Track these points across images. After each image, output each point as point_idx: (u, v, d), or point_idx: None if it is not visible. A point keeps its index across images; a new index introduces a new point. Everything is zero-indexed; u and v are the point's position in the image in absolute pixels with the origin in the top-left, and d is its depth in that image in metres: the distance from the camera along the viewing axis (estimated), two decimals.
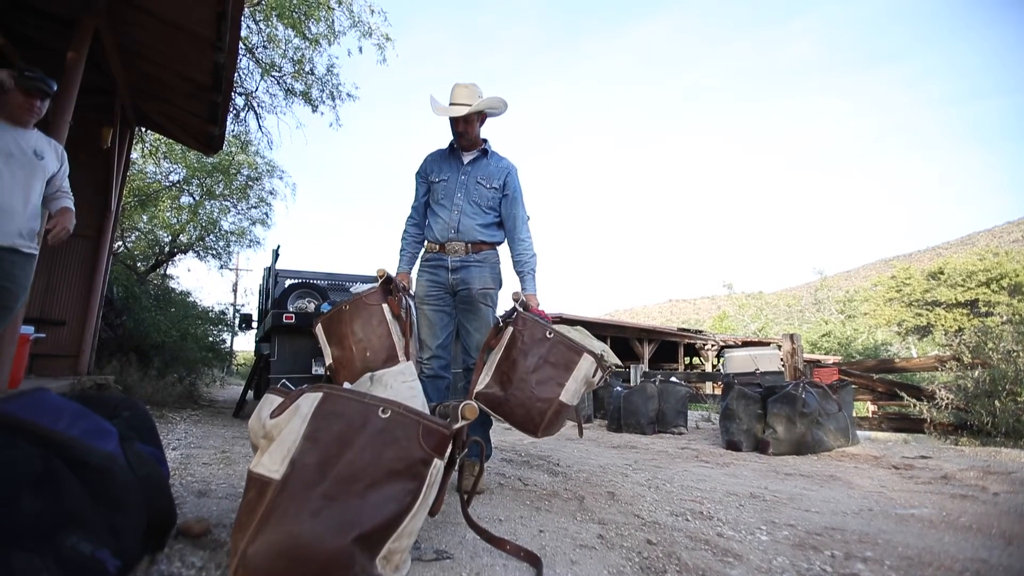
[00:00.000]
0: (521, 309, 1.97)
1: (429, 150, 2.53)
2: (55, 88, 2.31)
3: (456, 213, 2.34)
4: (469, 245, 2.33)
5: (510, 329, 1.91)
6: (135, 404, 1.29)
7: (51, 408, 0.94)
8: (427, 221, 2.46)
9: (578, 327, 2.21)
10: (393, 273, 2.33)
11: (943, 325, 24.21)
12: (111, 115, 4.44)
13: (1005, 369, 4.12)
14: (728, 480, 2.36)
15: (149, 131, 7.43)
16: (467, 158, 2.37)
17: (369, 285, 2.23)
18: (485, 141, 2.39)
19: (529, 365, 1.78)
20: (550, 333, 1.84)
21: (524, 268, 2.35)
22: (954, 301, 24.84)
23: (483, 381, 1.89)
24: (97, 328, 4.66)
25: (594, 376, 1.84)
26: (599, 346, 1.98)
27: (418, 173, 2.48)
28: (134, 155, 8.55)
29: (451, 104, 2.28)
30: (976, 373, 4.36)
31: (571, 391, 1.78)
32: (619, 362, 2.19)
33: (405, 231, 2.50)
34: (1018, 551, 1.33)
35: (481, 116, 2.32)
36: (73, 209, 2.44)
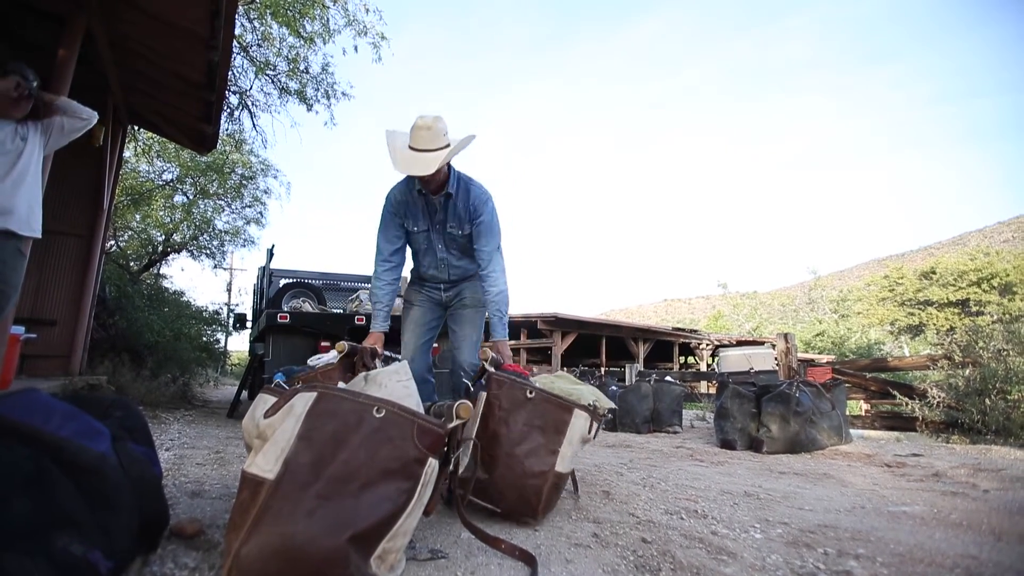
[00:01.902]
0: (493, 369, 1.69)
1: None
2: (33, 87, 2.31)
3: (444, 266, 2.34)
4: (462, 279, 2.38)
5: (483, 395, 1.58)
6: (127, 404, 1.28)
7: (41, 408, 0.93)
8: (406, 254, 2.36)
9: (560, 372, 2.09)
10: (363, 339, 2.06)
11: (935, 324, 24.44)
12: (103, 113, 4.40)
13: (995, 368, 4.17)
14: (722, 479, 2.37)
15: (142, 129, 7.37)
16: (436, 200, 2.21)
17: (327, 358, 1.96)
18: (450, 169, 2.17)
19: (514, 436, 1.50)
20: (531, 392, 1.54)
21: (491, 309, 2.22)
22: (946, 300, 25.10)
23: (462, 464, 1.46)
24: (89, 328, 4.62)
25: (590, 432, 1.60)
26: (589, 393, 1.76)
27: (392, 213, 2.28)
28: (127, 154, 8.48)
29: (412, 149, 2.04)
30: (967, 372, 4.41)
31: (567, 457, 1.52)
32: (612, 405, 1.97)
33: (378, 278, 2.26)
34: (1008, 547, 1.34)
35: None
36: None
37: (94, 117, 2.48)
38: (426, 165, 2.00)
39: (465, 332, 2.41)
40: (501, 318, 2.21)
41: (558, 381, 1.89)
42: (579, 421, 1.55)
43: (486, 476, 1.49)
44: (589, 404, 1.64)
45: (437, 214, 2.22)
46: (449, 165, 2.15)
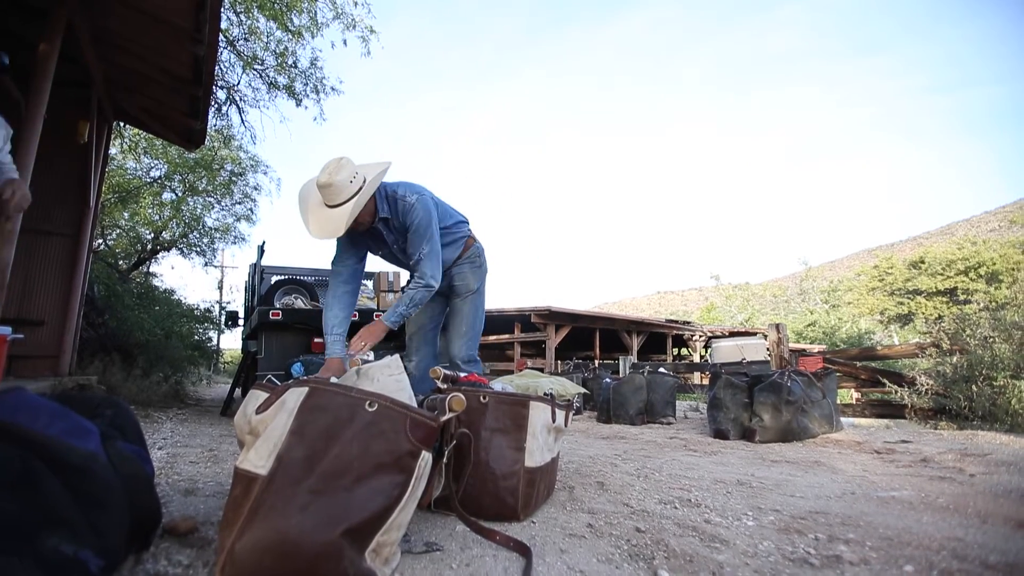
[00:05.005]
0: (445, 386, 1.70)
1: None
2: (6, 62, 2.19)
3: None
4: (448, 268, 2.37)
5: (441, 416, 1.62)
6: (117, 403, 1.26)
7: (28, 407, 0.92)
8: (361, 279, 2.36)
9: (525, 371, 2.11)
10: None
11: (923, 313, 24.79)
12: (88, 109, 4.33)
13: (982, 355, 4.23)
14: (716, 468, 2.39)
15: (128, 126, 7.26)
16: (376, 228, 2.16)
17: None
18: (375, 195, 2.08)
19: (477, 443, 1.50)
20: (484, 397, 1.56)
21: (402, 297, 2.16)
22: (934, 289, 25.46)
23: (438, 486, 1.46)
24: (78, 328, 4.57)
25: (555, 420, 1.62)
26: (548, 383, 1.78)
27: (346, 243, 2.23)
28: (113, 150, 8.36)
29: (326, 206, 1.92)
30: (954, 359, 4.48)
31: (535, 450, 1.52)
32: (582, 390, 2.02)
33: (335, 293, 2.18)
34: (992, 529, 1.37)
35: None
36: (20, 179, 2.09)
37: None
38: (335, 227, 1.91)
39: (455, 324, 2.42)
40: (395, 307, 2.13)
41: (518, 379, 1.91)
42: (537, 412, 1.55)
43: (460, 489, 1.46)
44: (546, 393, 1.64)
45: (386, 237, 2.18)
46: (375, 192, 2.05)
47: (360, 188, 1.94)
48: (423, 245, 2.14)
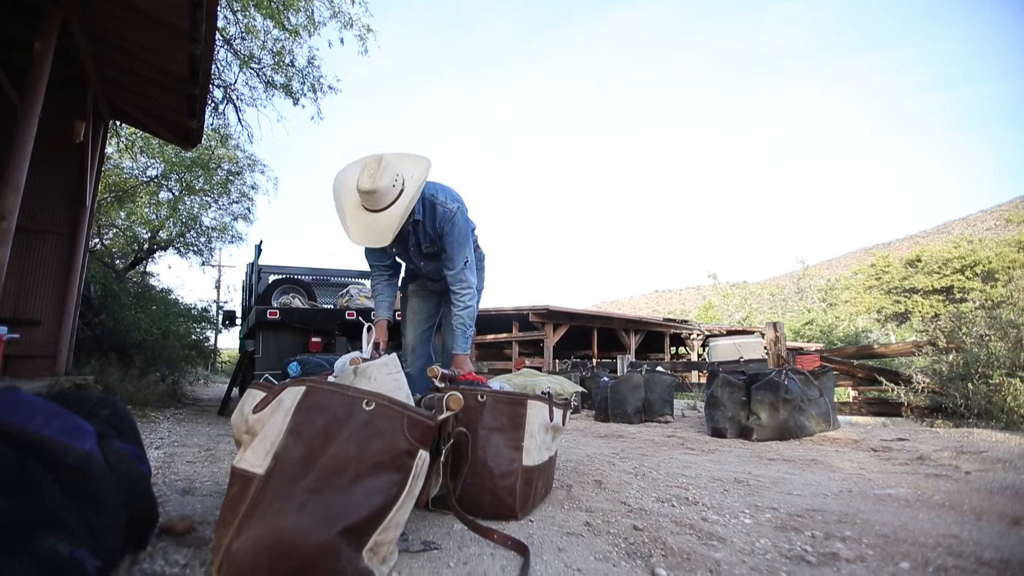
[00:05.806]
0: (442, 385, 1.71)
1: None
2: None
3: (430, 271, 2.34)
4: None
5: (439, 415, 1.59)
6: (114, 402, 1.26)
7: (24, 407, 0.91)
8: (398, 263, 2.40)
9: (523, 370, 2.11)
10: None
11: (920, 311, 24.88)
12: (83, 108, 4.31)
13: (978, 353, 4.25)
14: (713, 466, 2.40)
15: (124, 125, 7.23)
16: (404, 227, 2.06)
17: (355, 355, 1.88)
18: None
19: (475, 442, 1.49)
20: (482, 396, 1.55)
21: (455, 322, 2.17)
22: (931, 288, 25.54)
23: (435, 484, 1.43)
24: (74, 328, 4.55)
25: (553, 419, 1.62)
26: (546, 381, 1.79)
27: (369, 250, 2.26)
28: (109, 150, 8.33)
29: (365, 209, 1.84)
30: (951, 357, 4.50)
31: (532, 449, 1.51)
32: (580, 388, 2.07)
33: (376, 279, 2.31)
34: (987, 525, 1.38)
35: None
36: None
37: None
38: (380, 236, 1.83)
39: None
40: (464, 332, 2.15)
41: (516, 378, 1.92)
42: (535, 411, 1.56)
43: (458, 488, 1.46)
44: (543, 392, 1.65)
45: (409, 237, 2.13)
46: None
47: (402, 191, 1.86)
48: (465, 254, 2.13)
